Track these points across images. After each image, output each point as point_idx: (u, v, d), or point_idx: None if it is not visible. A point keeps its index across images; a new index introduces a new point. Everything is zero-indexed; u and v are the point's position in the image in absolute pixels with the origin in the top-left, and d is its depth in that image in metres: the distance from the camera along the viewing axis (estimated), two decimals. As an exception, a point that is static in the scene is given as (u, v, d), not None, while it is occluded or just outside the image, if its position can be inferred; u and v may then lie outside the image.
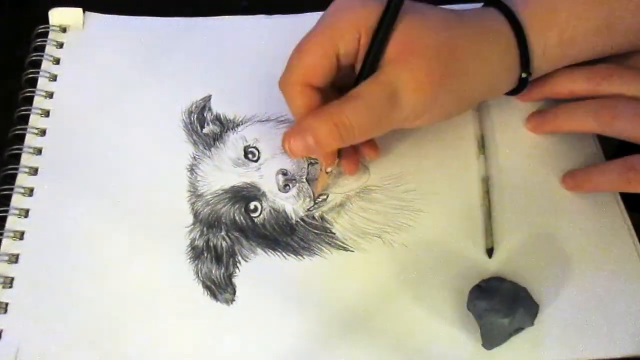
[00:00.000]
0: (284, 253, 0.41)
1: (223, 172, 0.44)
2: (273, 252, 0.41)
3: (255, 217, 0.42)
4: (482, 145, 0.44)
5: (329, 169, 0.41)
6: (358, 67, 0.38)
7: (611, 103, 0.39)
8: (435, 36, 0.37)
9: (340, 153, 0.41)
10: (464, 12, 0.39)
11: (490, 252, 0.40)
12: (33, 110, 0.45)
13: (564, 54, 0.40)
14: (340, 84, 0.39)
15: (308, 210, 0.42)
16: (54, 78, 0.47)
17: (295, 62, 0.38)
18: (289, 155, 0.38)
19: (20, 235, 0.41)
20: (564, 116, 0.42)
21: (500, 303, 0.36)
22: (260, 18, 0.51)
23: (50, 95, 0.46)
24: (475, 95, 0.40)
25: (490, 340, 0.37)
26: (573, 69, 0.42)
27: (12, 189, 0.42)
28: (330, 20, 0.38)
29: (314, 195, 0.43)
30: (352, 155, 0.42)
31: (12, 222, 0.41)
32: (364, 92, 0.36)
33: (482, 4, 0.41)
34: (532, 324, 0.37)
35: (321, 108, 0.37)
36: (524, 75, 0.40)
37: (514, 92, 0.41)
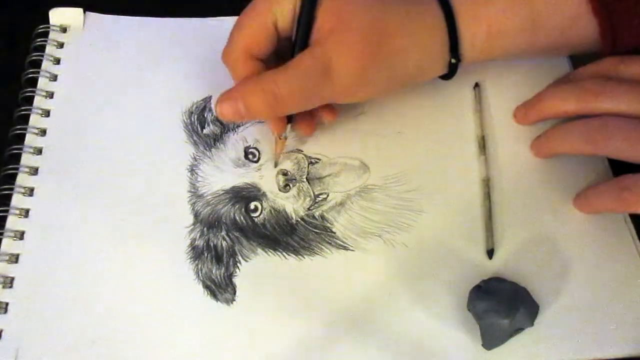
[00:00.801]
0: (284, 253, 0.41)
1: (223, 172, 0.44)
2: (273, 252, 0.41)
3: (255, 217, 0.42)
4: (483, 146, 0.44)
5: (281, 135, 0.42)
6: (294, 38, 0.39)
7: (601, 123, 0.39)
8: (369, 12, 0.38)
9: (292, 118, 0.42)
10: None
11: (490, 253, 0.40)
12: (33, 110, 0.45)
13: (491, 47, 0.41)
14: (283, 55, 0.40)
15: (308, 209, 0.42)
16: (54, 78, 0.47)
17: (235, 33, 0.39)
18: (220, 118, 0.39)
19: (21, 235, 0.41)
20: (557, 140, 0.42)
21: (500, 303, 0.36)
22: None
23: (50, 95, 0.46)
24: (406, 74, 0.41)
25: (490, 340, 0.37)
26: (563, 88, 0.42)
27: (12, 189, 0.42)
28: None
29: (313, 194, 0.43)
30: (307, 117, 0.43)
31: (13, 222, 0.41)
32: (298, 63, 0.38)
33: None
34: (532, 324, 0.37)
35: (255, 76, 0.38)
36: (453, 60, 0.41)
37: (446, 77, 0.43)
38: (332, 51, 0.37)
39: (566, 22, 0.41)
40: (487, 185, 0.42)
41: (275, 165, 0.44)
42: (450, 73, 0.42)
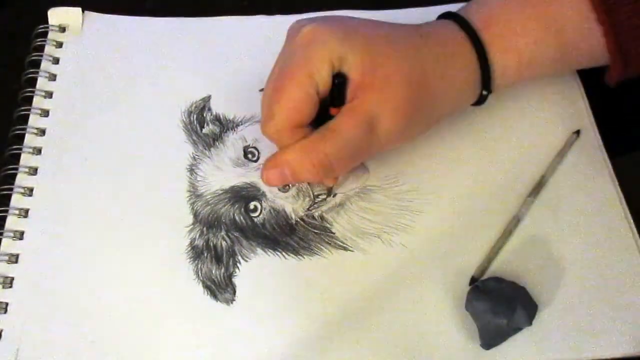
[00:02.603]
0: (283, 253, 0.41)
1: (223, 172, 0.44)
2: (273, 252, 0.41)
3: (255, 217, 0.42)
4: (537, 190, 0.43)
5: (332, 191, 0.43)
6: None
7: None
8: (404, 63, 0.37)
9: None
10: (422, 27, 0.40)
11: (473, 281, 0.40)
12: (32, 110, 0.45)
13: (521, 75, 0.42)
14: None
15: (308, 210, 0.42)
16: (53, 78, 0.47)
17: (277, 107, 0.37)
18: (265, 183, 0.39)
19: (20, 235, 0.41)
20: None
21: (499, 303, 0.36)
22: (260, 18, 0.51)
23: (49, 95, 0.46)
24: (442, 114, 0.41)
25: (489, 340, 0.37)
26: None
27: (11, 189, 0.42)
28: (302, 54, 0.37)
29: (313, 194, 0.43)
30: None
31: (12, 222, 0.41)
32: (341, 126, 0.37)
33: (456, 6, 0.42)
34: (530, 324, 0.37)
35: (299, 142, 0.37)
36: (484, 92, 0.41)
37: (475, 104, 0.43)
38: (375, 109, 0.37)
39: (594, 49, 0.40)
40: (515, 224, 0.41)
41: (313, 199, 0.43)
42: (479, 102, 0.42)
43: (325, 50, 0.36)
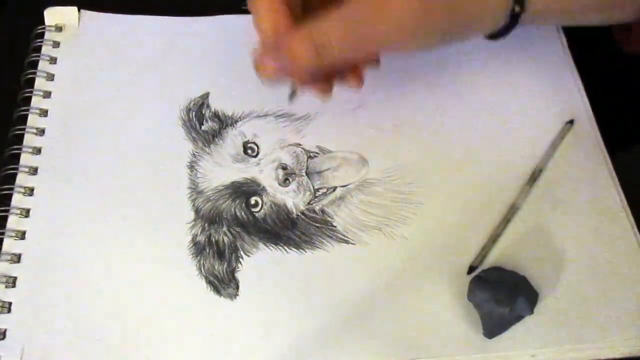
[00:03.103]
0: (285, 247, 0.41)
1: (223, 168, 0.44)
2: (275, 247, 0.41)
3: (256, 212, 0.42)
4: (534, 179, 0.43)
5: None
6: None
7: None
8: None
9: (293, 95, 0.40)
10: None
11: (471, 269, 0.40)
12: (31, 110, 0.45)
13: (556, 4, 0.38)
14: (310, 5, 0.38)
15: (308, 204, 0.43)
16: (51, 77, 0.47)
17: None
18: (261, 76, 0.36)
19: (22, 235, 0.41)
20: None
21: (500, 293, 0.37)
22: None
23: (48, 94, 0.46)
24: (466, 21, 0.37)
25: (491, 329, 0.37)
26: None
27: (12, 189, 0.42)
28: None
29: (313, 188, 0.43)
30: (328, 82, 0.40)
31: (14, 222, 0.41)
32: (345, 6, 0.34)
33: None
34: (532, 312, 0.37)
35: (298, 27, 0.35)
36: (517, 9, 0.37)
37: (498, 35, 0.39)
38: None
39: None
40: (512, 212, 0.42)
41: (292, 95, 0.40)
42: (508, 26, 0.38)
43: None
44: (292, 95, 0.40)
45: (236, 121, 0.46)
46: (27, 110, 0.45)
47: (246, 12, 0.50)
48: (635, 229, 0.41)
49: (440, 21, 0.36)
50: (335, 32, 0.34)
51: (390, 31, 0.35)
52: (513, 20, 0.38)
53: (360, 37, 0.35)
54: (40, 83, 0.47)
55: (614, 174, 0.43)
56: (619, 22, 0.41)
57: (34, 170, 0.43)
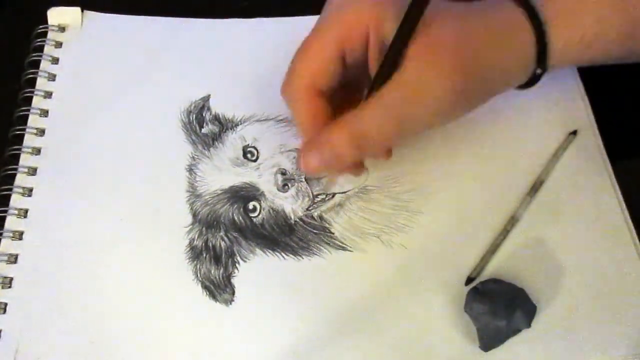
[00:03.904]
0: (282, 253, 0.41)
1: (222, 172, 0.44)
2: (272, 253, 0.41)
3: (254, 217, 0.42)
4: (535, 190, 0.42)
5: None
6: (372, 67, 0.36)
7: None
8: (455, 28, 0.35)
9: None
10: (479, 3, 0.38)
11: (469, 281, 0.39)
12: (32, 110, 0.45)
13: (581, 56, 0.39)
14: (347, 86, 0.39)
15: (307, 210, 0.42)
16: (52, 78, 0.47)
17: (299, 66, 0.36)
18: (305, 172, 0.37)
19: (20, 236, 0.41)
20: None
21: (497, 305, 0.36)
22: (260, 20, 0.50)
23: (49, 95, 0.46)
24: (494, 88, 0.38)
25: (487, 342, 0.37)
26: None
27: (11, 189, 0.42)
28: (334, 17, 0.36)
29: (312, 194, 0.43)
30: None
31: (12, 222, 0.41)
32: (383, 94, 0.34)
33: None
34: (529, 326, 0.37)
35: (337, 120, 0.35)
36: (538, 71, 0.38)
37: (524, 86, 0.40)
38: (419, 74, 0.34)
39: None
40: (512, 223, 0.41)
41: (313, 198, 0.43)
42: (531, 82, 0.40)
43: (360, 11, 0.35)
44: (329, 185, 0.42)
45: (236, 125, 0.46)
46: (28, 110, 0.45)
47: (248, 14, 0.50)
48: (637, 242, 0.41)
49: (472, 96, 0.37)
50: (375, 121, 0.34)
51: (430, 114, 0.35)
52: (536, 78, 0.39)
53: (401, 123, 0.35)
54: (41, 83, 0.47)
55: (616, 186, 0.43)
56: None
57: (33, 171, 0.43)
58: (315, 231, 0.42)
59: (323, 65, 0.36)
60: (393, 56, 0.34)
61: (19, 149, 0.44)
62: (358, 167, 0.40)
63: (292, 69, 0.36)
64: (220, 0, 0.51)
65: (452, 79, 0.35)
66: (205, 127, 0.46)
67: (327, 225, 0.42)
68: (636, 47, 0.39)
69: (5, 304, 0.39)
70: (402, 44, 0.34)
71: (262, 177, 0.43)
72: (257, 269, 0.40)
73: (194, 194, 0.43)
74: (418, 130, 0.37)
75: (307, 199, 0.43)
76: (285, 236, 0.41)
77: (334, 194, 0.43)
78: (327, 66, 0.36)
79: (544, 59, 0.38)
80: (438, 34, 0.35)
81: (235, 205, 0.42)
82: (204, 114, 0.46)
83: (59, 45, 0.48)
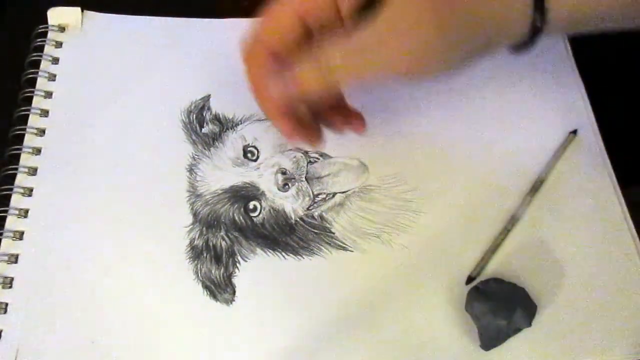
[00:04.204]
0: (283, 253, 0.41)
1: (222, 171, 0.44)
2: (272, 252, 0.41)
3: (254, 216, 0.42)
4: (536, 189, 0.42)
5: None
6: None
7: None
8: None
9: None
10: None
11: (470, 280, 0.40)
12: (32, 110, 0.45)
13: (583, 4, 0.34)
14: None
15: (307, 209, 0.42)
16: (53, 78, 0.47)
17: (260, 33, 0.36)
18: (260, 106, 0.36)
19: (20, 236, 0.41)
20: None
21: (498, 305, 0.36)
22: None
23: (49, 95, 0.46)
24: (482, 43, 0.34)
25: (488, 341, 0.37)
26: None
27: (11, 189, 0.42)
28: None
29: (312, 194, 0.43)
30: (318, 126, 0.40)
31: (12, 222, 0.41)
32: (352, 34, 0.32)
33: None
34: (530, 325, 0.37)
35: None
36: (538, 23, 0.33)
37: (521, 48, 0.35)
38: (394, 12, 0.32)
39: None
40: (513, 222, 0.41)
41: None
42: (529, 41, 0.35)
43: None
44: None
45: (237, 124, 0.46)
46: (28, 110, 0.45)
47: (248, 14, 0.50)
48: (637, 241, 0.41)
49: (452, 47, 0.33)
50: (341, 54, 0.33)
51: (399, 57, 0.32)
52: (536, 33, 0.34)
53: (370, 61, 0.33)
54: (41, 83, 0.47)
55: (617, 185, 0.43)
56: None
57: (33, 171, 0.43)
58: (315, 231, 0.42)
59: (285, 31, 0.35)
60: None
61: (20, 149, 0.43)
62: (315, 132, 0.39)
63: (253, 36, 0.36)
64: (220, 0, 0.51)
65: (430, 21, 0.31)
66: (205, 126, 0.46)
67: (327, 225, 0.42)
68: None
69: (6, 304, 0.39)
70: None
71: (263, 177, 0.43)
72: (257, 269, 0.40)
73: (194, 193, 0.43)
74: (385, 73, 0.33)
75: (307, 198, 0.43)
76: (285, 236, 0.41)
77: (334, 194, 0.43)
78: (289, 33, 0.35)
79: (542, 6, 0.33)
80: None
81: (236, 205, 0.42)
82: (204, 114, 0.46)
83: (59, 45, 0.48)
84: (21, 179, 0.43)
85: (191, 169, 0.44)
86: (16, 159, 0.43)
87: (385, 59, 0.32)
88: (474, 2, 0.32)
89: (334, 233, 0.42)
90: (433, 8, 0.31)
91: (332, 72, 0.33)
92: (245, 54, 0.37)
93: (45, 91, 0.46)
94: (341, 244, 0.41)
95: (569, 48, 0.49)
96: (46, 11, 0.49)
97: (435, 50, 0.32)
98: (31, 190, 0.42)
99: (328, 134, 0.44)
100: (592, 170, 0.43)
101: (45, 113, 0.45)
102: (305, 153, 0.44)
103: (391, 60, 0.32)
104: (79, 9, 0.49)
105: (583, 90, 0.47)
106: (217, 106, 0.46)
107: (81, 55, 0.48)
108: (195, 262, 0.40)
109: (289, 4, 0.35)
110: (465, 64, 0.34)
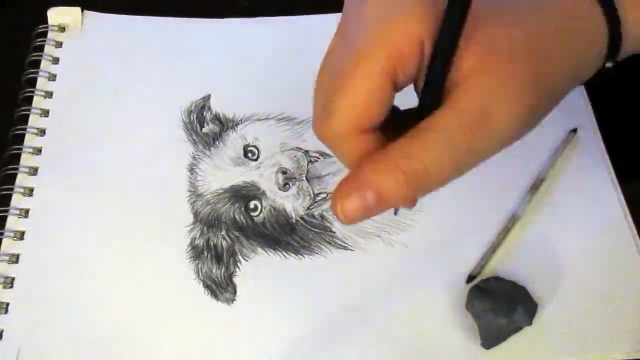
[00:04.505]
0: (284, 252, 0.41)
1: (223, 171, 0.44)
2: (273, 252, 0.41)
3: (255, 216, 0.42)
4: (536, 188, 0.42)
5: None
6: (420, 84, 0.28)
7: None
8: (519, 31, 0.27)
9: None
10: None
11: (470, 279, 0.40)
12: (32, 110, 0.45)
13: None
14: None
15: (308, 209, 0.42)
16: (53, 78, 0.47)
17: (340, 103, 0.27)
18: (342, 222, 0.28)
19: (21, 235, 0.41)
20: None
21: (499, 303, 0.36)
22: (260, 20, 0.51)
23: (49, 94, 0.46)
24: (565, 90, 0.31)
25: (489, 339, 0.37)
26: None
27: (12, 189, 0.42)
28: (377, 32, 0.26)
29: (313, 193, 0.43)
30: None
31: (13, 222, 0.41)
32: (440, 122, 0.26)
33: None
34: (531, 323, 0.37)
35: (380, 153, 0.27)
36: (608, 64, 0.31)
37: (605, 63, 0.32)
38: (482, 92, 0.26)
39: None
40: (513, 221, 0.41)
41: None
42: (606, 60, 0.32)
43: (412, 21, 0.26)
44: (396, 211, 0.35)
45: (237, 124, 0.46)
46: (28, 110, 0.45)
47: (247, 13, 0.50)
48: (638, 240, 0.41)
49: (544, 111, 0.30)
50: (432, 155, 0.26)
51: (498, 142, 0.28)
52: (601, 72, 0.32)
53: (465, 155, 0.27)
54: (42, 83, 0.47)
55: (617, 184, 0.43)
56: None
57: (34, 171, 0.43)
58: (316, 230, 0.42)
59: (371, 98, 0.27)
60: (440, 72, 0.26)
61: (20, 149, 0.44)
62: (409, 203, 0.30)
63: (327, 107, 0.27)
64: (220, 0, 0.51)
65: (525, 97, 0.27)
66: (205, 126, 0.46)
67: (328, 224, 0.42)
68: None
69: (7, 304, 0.39)
70: (450, 53, 0.26)
71: (263, 176, 0.43)
72: (258, 268, 0.40)
73: (195, 193, 0.43)
74: (480, 162, 0.28)
75: (308, 198, 0.43)
76: (286, 235, 0.41)
77: (335, 193, 0.43)
78: (376, 98, 0.27)
79: (617, 48, 0.31)
80: (498, 38, 0.27)
81: (237, 205, 0.42)
82: (204, 114, 0.46)
83: (59, 45, 0.48)
84: (22, 179, 0.43)
85: (192, 169, 0.44)
86: (17, 158, 0.43)
87: (481, 150, 0.28)
88: (557, 69, 0.29)
89: (334, 232, 0.42)
90: (524, 85, 0.27)
91: (419, 176, 0.27)
92: (322, 132, 0.28)
93: (45, 91, 0.46)
94: (342, 243, 0.41)
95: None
96: (46, 11, 0.49)
97: (526, 129, 0.29)
98: (32, 190, 0.42)
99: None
100: (592, 169, 0.43)
101: (45, 113, 0.45)
102: (306, 152, 0.44)
103: (488, 148, 0.28)
104: (79, 9, 0.49)
105: (583, 89, 0.47)
106: (218, 106, 0.46)
107: (81, 55, 0.48)
108: (196, 261, 0.40)
109: (371, 53, 0.26)
110: (555, 106, 0.31)
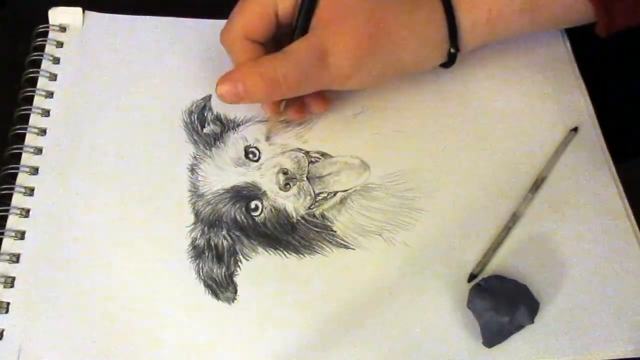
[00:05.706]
0: (285, 252, 0.41)
1: (224, 171, 0.44)
2: (274, 251, 0.41)
3: (256, 216, 0.42)
4: (537, 186, 0.43)
5: (271, 118, 0.44)
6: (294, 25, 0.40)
7: None
8: (367, 2, 0.39)
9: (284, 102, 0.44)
10: None
11: (471, 277, 0.40)
12: (33, 109, 0.45)
13: (491, 32, 0.42)
14: (282, 41, 0.41)
15: (309, 208, 0.42)
16: (54, 77, 0.47)
17: (235, 18, 0.41)
18: (219, 99, 0.39)
19: (21, 235, 0.41)
20: None
21: (501, 301, 0.36)
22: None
23: (50, 94, 0.46)
24: (403, 65, 0.42)
25: (491, 338, 0.37)
26: None
27: (12, 189, 0.42)
28: None
29: (313, 193, 0.43)
30: (298, 104, 0.44)
31: (13, 222, 0.41)
32: (295, 49, 0.39)
33: None
34: (532, 322, 0.37)
35: (254, 60, 0.39)
36: (452, 50, 0.42)
37: (445, 65, 0.44)
38: (328, 40, 0.38)
39: (565, 2, 0.42)
40: (514, 220, 0.41)
41: (267, 139, 0.45)
42: (449, 62, 0.43)
43: None
44: (267, 138, 0.45)
45: (238, 125, 0.46)
46: (28, 109, 0.45)
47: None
48: (639, 238, 0.41)
49: (373, 69, 0.40)
50: (282, 70, 0.38)
51: (329, 77, 0.39)
52: (452, 57, 0.43)
53: (304, 78, 0.39)
54: (42, 83, 0.47)
55: (618, 182, 0.43)
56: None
57: (34, 170, 0.43)
58: (317, 229, 0.42)
59: (256, 18, 0.40)
60: (304, 15, 0.39)
61: (21, 148, 0.43)
62: (273, 106, 0.43)
63: (229, 20, 0.41)
64: (221, 0, 0.51)
65: (354, 52, 0.39)
66: (206, 127, 0.46)
67: (329, 224, 0.42)
68: (537, 20, 0.43)
69: (8, 304, 0.38)
70: (310, 4, 0.39)
71: (264, 177, 0.43)
72: (259, 268, 0.40)
73: (196, 193, 0.43)
74: (321, 87, 0.41)
75: (308, 197, 0.43)
76: (287, 235, 0.41)
77: (335, 193, 0.43)
78: (260, 19, 0.40)
79: (455, 39, 0.41)
80: (352, 4, 0.39)
81: (238, 205, 0.42)
82: (205, 114, 0.46)
83: (60, 45, 0.48)
84: (22, 179, 0.43)
85: (193, 169, 0.44)
86: (17, 158, 0.43)
87: (319, 78, 0.39)
88: (395, 38, 0.40)
89: (335, 231, 0.42)
90: (358, 40, 0.39)
91: (274, 85, 0.38)
92: (223, 39, 0.42)
93: (46, 91, 0.46)
94: (343, 243, 0.41)
95: (569, 45, 0.49)
96: (46, 11, 0.49)
97: (360, 70, 0.40)
98: (32, 189, 0.42)
99: (328, 134, 0.45)
100: (593, 168, 0.43)
101: (46, 113, 0.45)
102: (307, 153, 0.44)
103: (325, 79, 0.40)
104: (79, 9, 0.49)
105: (583, 88, 0.47)
106: (219, 106, 0.46)
107: (82, 55, 0.48)
108: (197, 261, 0.40)
109: (232, 31, 0.41)
110: (389, 79, 0.44)
